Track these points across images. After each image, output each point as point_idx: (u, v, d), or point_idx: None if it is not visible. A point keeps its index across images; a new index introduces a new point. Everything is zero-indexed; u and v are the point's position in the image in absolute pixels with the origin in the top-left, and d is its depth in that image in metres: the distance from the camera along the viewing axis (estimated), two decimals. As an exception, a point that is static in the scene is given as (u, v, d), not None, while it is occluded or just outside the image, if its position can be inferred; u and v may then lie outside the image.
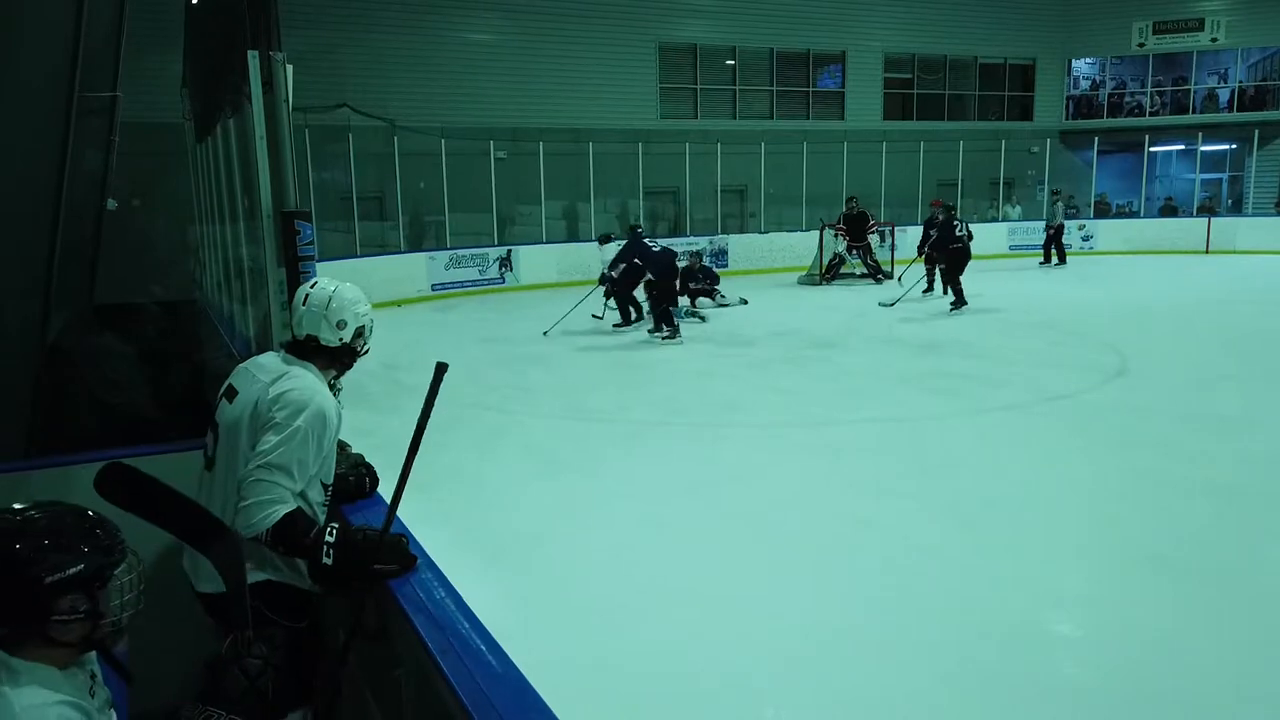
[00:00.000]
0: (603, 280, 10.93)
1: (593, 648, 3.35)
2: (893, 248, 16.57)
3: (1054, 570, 3.90)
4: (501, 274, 15.89)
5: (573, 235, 18.31)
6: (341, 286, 2.38)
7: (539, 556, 4.21)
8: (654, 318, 10.21)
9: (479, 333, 11.40)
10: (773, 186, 19.17)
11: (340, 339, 2.33)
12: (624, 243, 10.74)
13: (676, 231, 18.58)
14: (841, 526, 4.46)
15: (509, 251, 16.15)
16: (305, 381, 2.24)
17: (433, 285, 14.96)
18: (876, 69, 21.72)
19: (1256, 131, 22.11)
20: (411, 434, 2.12)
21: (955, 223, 12.65)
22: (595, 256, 12.24)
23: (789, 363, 9.02)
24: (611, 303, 11.24)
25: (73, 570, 1.53)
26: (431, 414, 2.13)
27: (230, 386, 2.31)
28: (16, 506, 1.59)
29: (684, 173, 18.46)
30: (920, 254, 13.89)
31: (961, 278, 12.19)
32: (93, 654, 1.64)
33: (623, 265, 10.43)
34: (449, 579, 2.14)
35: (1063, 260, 17.74)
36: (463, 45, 17.52)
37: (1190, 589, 3.69)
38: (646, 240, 10.53)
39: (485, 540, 4.41)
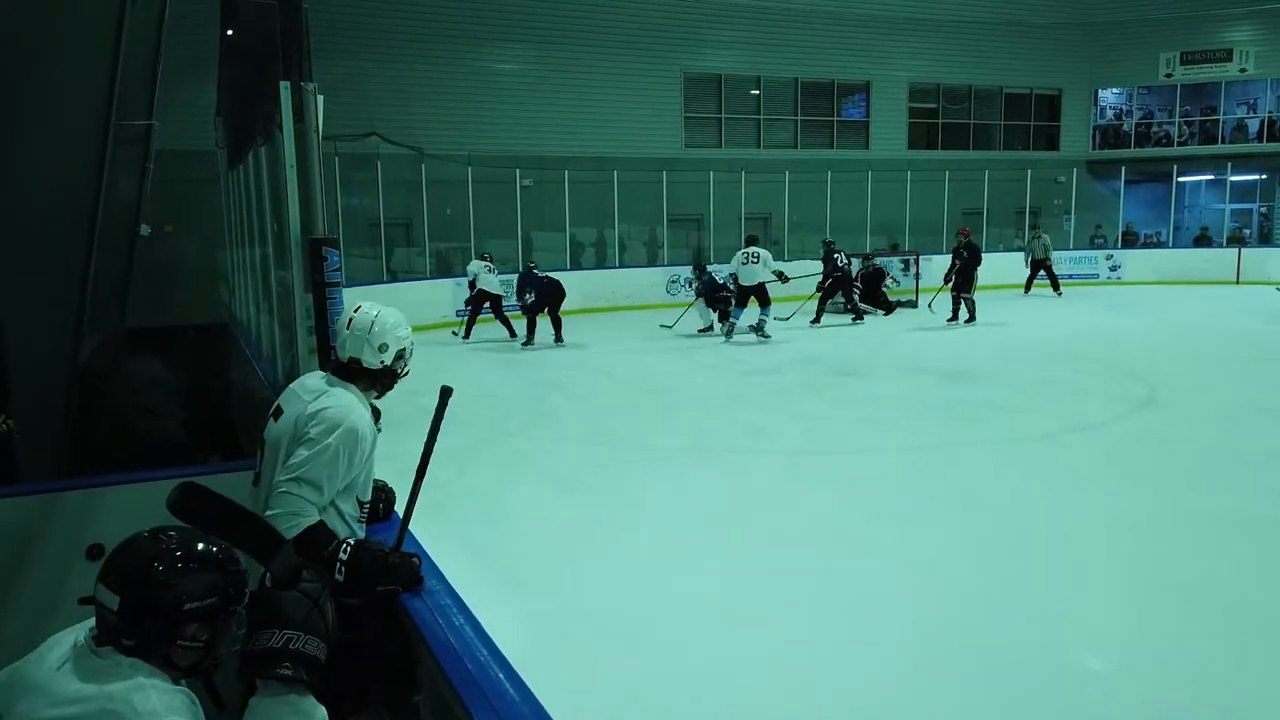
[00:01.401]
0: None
1: (613, 676, 3.33)
2: (917, 276, 16.54)
3: (1082, 603, 3.83)
4: (525, 299, 15.96)
5: (601, 262, 18.43)
6: (384, 311, 2.47)
7: (560, 582, 4.20)
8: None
9: (500, 358, 11.46)
10: (796, 215, 19.19)
11: (381, 361, 2.42)
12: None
13: (700, 260, 18.63)
14: (867, 557, 4.42)
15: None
16: (342, 400, 2.32)
17: (457, 311, 15.05)
18: (901, 99, 21.77)
19: (1287, 162, 21.89)
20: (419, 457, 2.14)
21: (835, 254, 14.30)
22: (619, 281, 12.83)
23: (814, 390, 8.99)
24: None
25: (209, 601, 1.59)
26: (438, 436, 2.17)
27: (278, 406, 2.40)
28: (155, 529, 1.65)
29: (708, 200, 18.53)
30: (946, 283, 13.84)
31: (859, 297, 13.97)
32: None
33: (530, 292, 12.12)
34: (468, 605, 2.14)
35: (1055, 289, 17.40)
36: (490, 75, 17.77)
37: (1222, 623, 3.61)
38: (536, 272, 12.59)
39: (506, 566, 4.40)
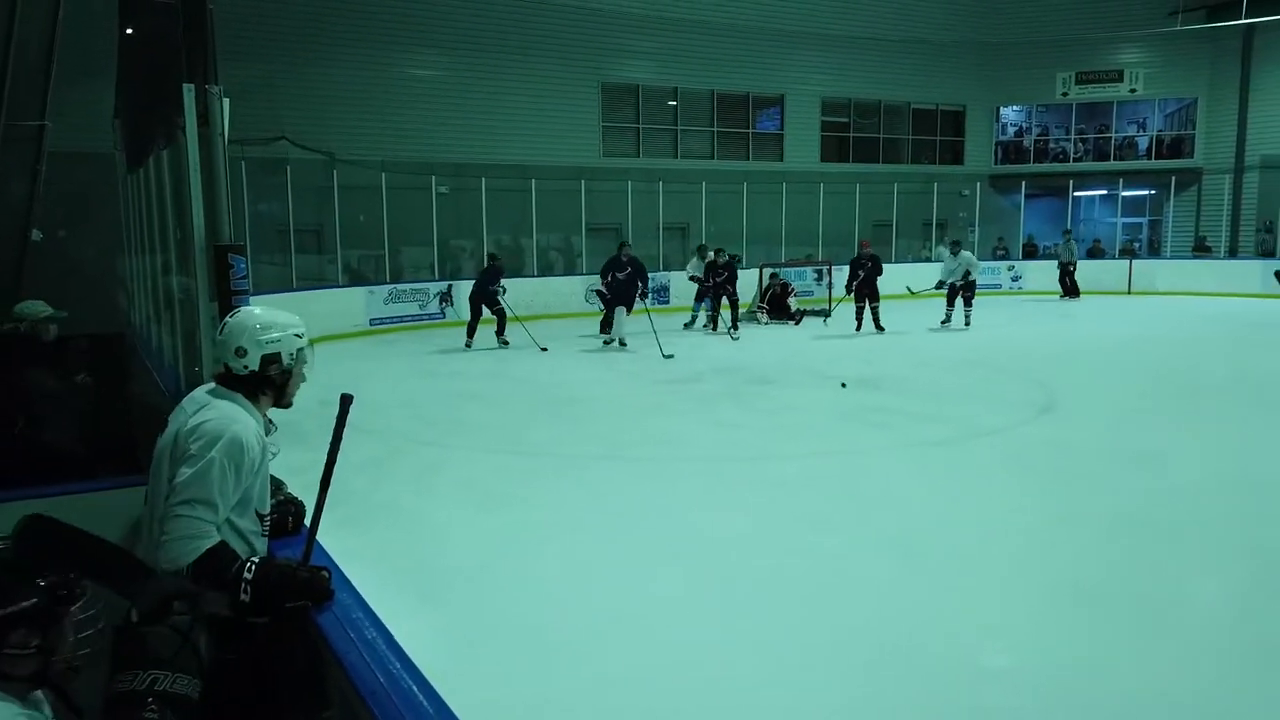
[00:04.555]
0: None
1: (530, 688, 3.31)
2: (829, 286, 16.96)
3: (984, 601, 3.98)
4: (442, 309, 15.78)
5: (515, 270, 18.32)
6: (244, 312, 2.34)
7: (477, 593, 4.16)
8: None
9: (419, 367, 11.30)
10: (714, 225, 19.45)
11: (245, 366, 2.27)
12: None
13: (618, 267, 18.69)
14: (781, 560, 4.50)
15: (450, 286, 16.06)
16: (223, 412, 2.21)
17: (371, 320, 14.78)
18: (814, 112, 22.29)
19: (1173, 179, 23.17)
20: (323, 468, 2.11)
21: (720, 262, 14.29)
22: (537, 289, 12.93)
23: (732, 397, 9.11)
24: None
25: (27, 604, 1.48)
26: (341, 446, 2.13)
27: (168, 421, 2.30)
28: None
29: (626, 210, 18.62)
30: (848, 293, 14.25)
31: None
32: (43, 697, 1.59)
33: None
34: (380, 618, 2.11)
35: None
36: (407, 80, 17.53)
37: (1111, 618, 3.80)
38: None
39: (421, 577, 4.34)
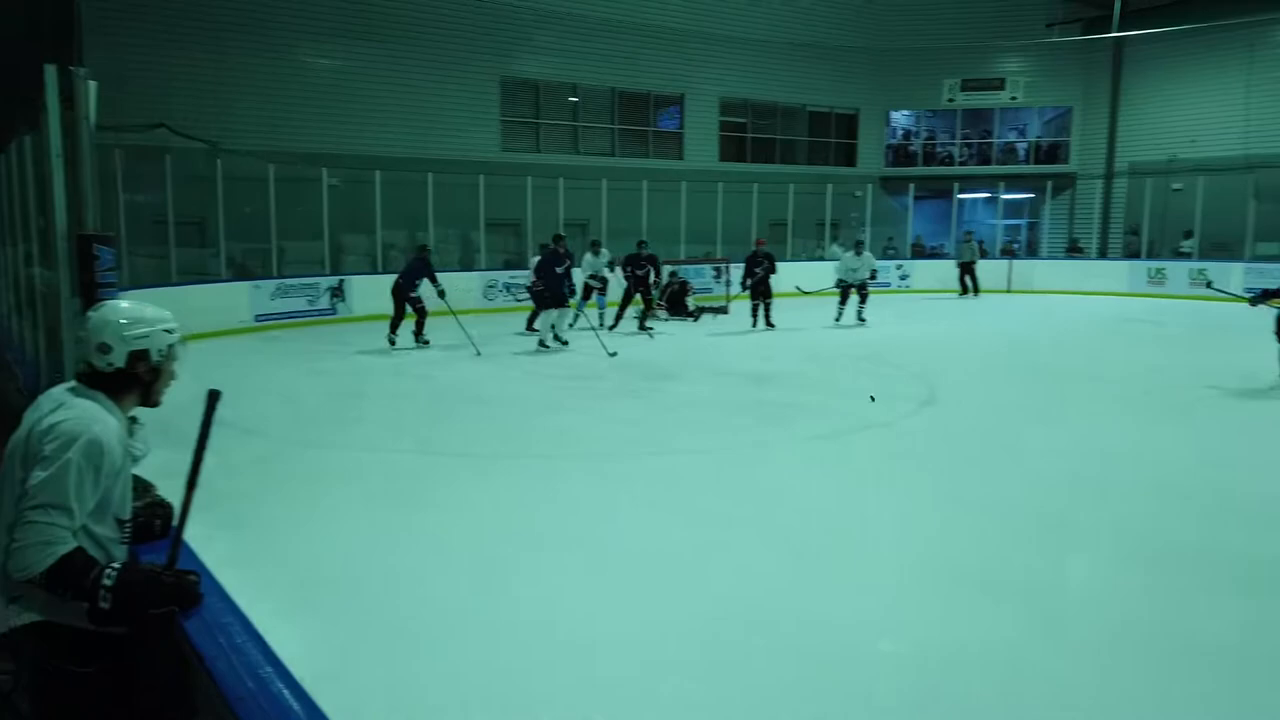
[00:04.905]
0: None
1: (413, 692, 3.26)
2: (728, 283, 17.25)
3: (874, 588, 4.11)
4: (333, 304, 15.35)
5: (448, 266, 18.02)
6: (108, 306, 2.22)
7: (358, 597, 4.05)
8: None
9: (308, 365, 10.96)
10: (615, 222, 19.50)
11: (110, 364, 2.16)
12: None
13: (520, 264, 18.55)
14: (678, 554, 4.54)
15: (341, 281, 15.63)
16: (79, 411, 2.09)
17: (257, 316, 14.25)
18: (713, 112, 22.61)
19: (1050, 183, 24.41)
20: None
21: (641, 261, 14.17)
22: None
23: (631, 394, 9.17)
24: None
25: None
26: (208, 444, 2.06)
27: (23, 418, 2.16)
28: None
29: (525, 206, 18.49)
30: (744, 289, 14.55)
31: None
32: None
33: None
34: (253, 623, 2.04)
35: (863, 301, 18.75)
36: (299, 69, 17.00)
37: (995, 602, 3.97)
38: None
39: (300, 581, 4.21)
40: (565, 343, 12.14)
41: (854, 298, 14.71)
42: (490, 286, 17.10)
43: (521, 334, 13.24)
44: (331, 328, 14.42)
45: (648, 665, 3.40)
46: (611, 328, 13.79)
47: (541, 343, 11.93)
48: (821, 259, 22.32)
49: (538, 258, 13.73)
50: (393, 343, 12.03)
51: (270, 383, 9.53)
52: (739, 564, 4.41)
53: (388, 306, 12.20)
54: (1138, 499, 5.43)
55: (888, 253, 22.89)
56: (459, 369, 10.58)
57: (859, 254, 14.92)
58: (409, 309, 12.03)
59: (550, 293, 11.89)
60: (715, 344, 12.62)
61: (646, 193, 19.72)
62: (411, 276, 12.06)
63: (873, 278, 15.06)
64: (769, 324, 14.24)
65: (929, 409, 8.19)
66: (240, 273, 15.73)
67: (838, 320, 14.61)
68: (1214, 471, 6.04)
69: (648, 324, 13.89)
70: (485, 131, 19.37)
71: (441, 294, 11.92)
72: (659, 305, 15.52)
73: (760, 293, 14.29)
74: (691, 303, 16.02)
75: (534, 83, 20.10)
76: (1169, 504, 5.32)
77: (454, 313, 11.99)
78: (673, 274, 16.37)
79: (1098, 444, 6.79)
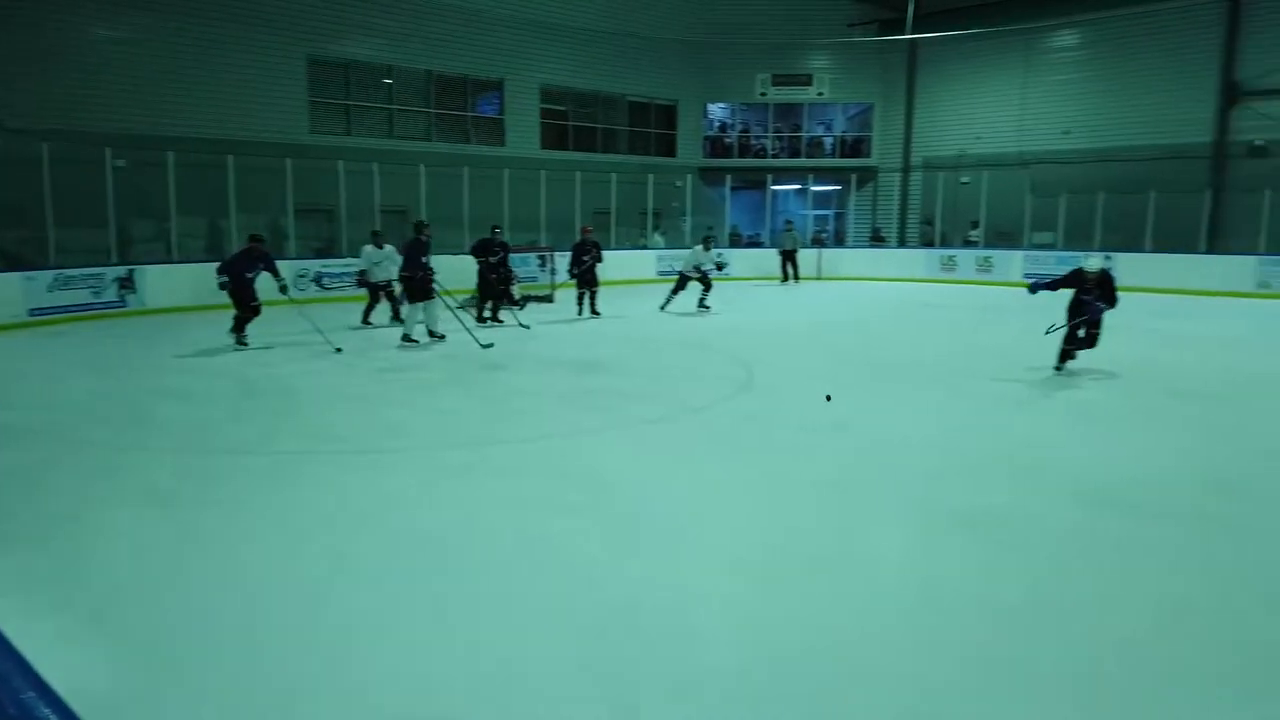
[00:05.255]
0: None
1: (222, 706, 3.01)
2: (553, 272, 17.16)
3: (698, 569, 4.16)
4: (122, 296, 14.09)
5: (215, 254, 16.81)
6: None
7: (149, 613, 3.70)
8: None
9: (93, 362, 10.00)
10: (434, 209, 18.97)
11: None
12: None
13: (332, 251, 17.70)
14: (500, 546, 4.44)
15: (130, 271, 14.37)
16: None
17: (31, 310, 12.88)
18: (534, 99, 22.40)
19: (854, 176, 25.84)
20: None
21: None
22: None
23: (456, 384, 8.92)
24: None
25: None
26: None
27: None
28: None
29: (338, 191, 17.67)
30: (571, 277, 14.56)
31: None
32: None
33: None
34: (16, 645, 1.79)
35: (796, 277, 21.52)
36: (80, 42, 15.47)
37: (815, 576, 4.12)
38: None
39: (83, 600, 3.81)
40: (442, 336, 11.56)
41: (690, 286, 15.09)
42: (301, 276, 16.20)
43: (357, 327, 12.64)
44: (121, 321, 13.24)
45: (487, 671, 3.29)
46: (480, 320, 13.16)
47: (406, 337, 11.29)
48: (644, 247, 22.67)
49: (369, 246, 13.17)
50: (244, 342, 10.99)
51: (48, 381, 8.63)
52: (566, 552, 4.36)
53: (186, 298, 11.31)
54: (945, 476, 5.80)
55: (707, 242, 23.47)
56: (266, 363, 9.96)
57: (708, 248, 15.37)
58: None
59: (421, 283, 11.30)
60: (541, 333, 12.51)
61: (468, 179, 19.31)
62: (242, 269, 10.99)
63: (719, 269, 15.53)
64: (594, 312, 14.32)
65: (746, 393, 8.45)
66: (11, 263, 14.17)
67: (663, 308, 14.87)
68: (991, 441, 6.56)
69: (500, 314, 13.47)
70: (292, 113, 18.34)
71: (283, 288, 11.19)
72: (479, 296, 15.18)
73: (587, 281, 14.35)
74: (517, 291, 15.82)
75: (345, 63, 19.21)
76: (951, 470, 5.72)
77: (295, 301, 11.20)
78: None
79: (903, 421, 7.21)
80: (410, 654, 3.33)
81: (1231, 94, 20.08)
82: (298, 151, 17.39)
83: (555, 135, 23.06)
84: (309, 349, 10.68)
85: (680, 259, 15.95)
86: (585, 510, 5.00)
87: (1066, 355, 8.97)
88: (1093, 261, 8.78)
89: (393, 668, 3.24)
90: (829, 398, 7.78)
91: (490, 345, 10.88)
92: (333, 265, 16.68)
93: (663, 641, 3.42)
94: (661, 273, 21.62)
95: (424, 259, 11.29)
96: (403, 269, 11.56)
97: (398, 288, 12.23)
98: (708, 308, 14.91)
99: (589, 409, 7.79)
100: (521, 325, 12.94)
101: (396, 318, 12.83)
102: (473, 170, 19.53)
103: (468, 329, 11.47)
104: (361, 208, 17.88)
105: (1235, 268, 18.15)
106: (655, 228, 23.49)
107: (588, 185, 21.26)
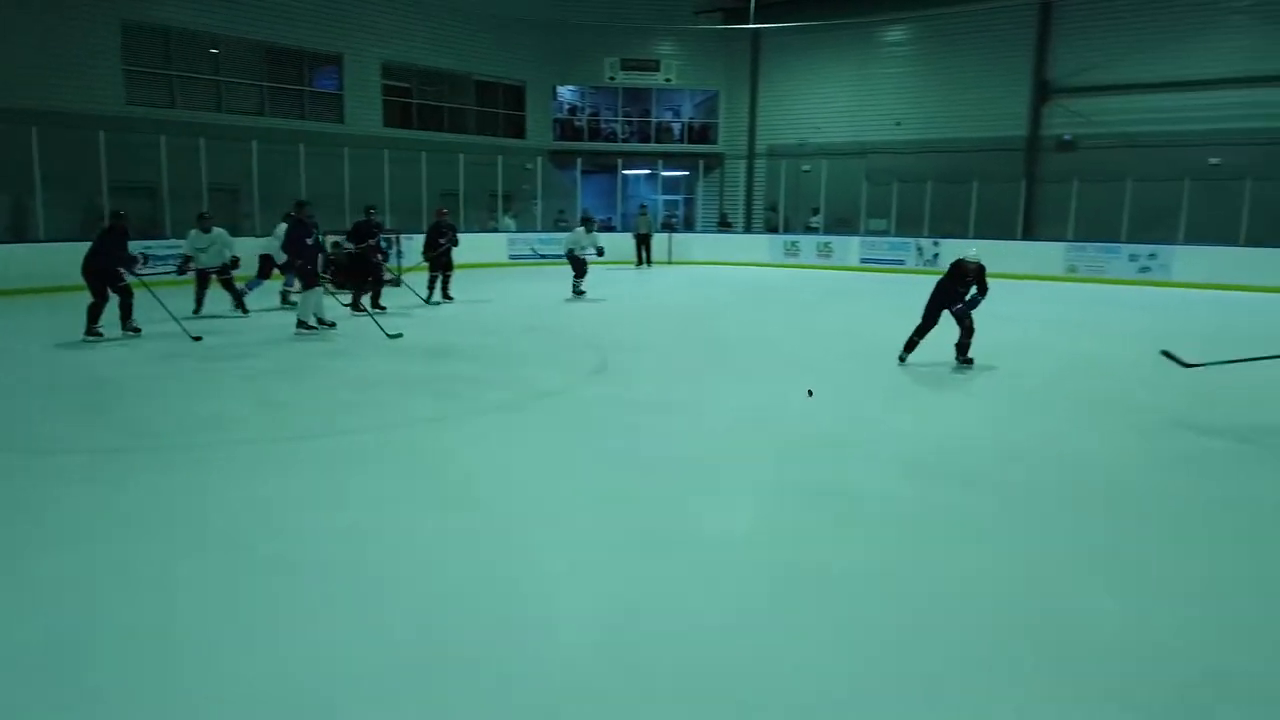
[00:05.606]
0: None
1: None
2: (399, 255, 16.60)
3: (551, 553, 4.10)
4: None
5: (20, 236, 15.38)
6: None
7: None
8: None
9: None
10: (268, 188, 17.98)
11: None
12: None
13: (155, 233, 16.47)
14: (335, 536, 4.23)
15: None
16: None
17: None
18: (375, 75, 21.58)
19: (702, 162, 26.28)
20: None
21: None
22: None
23: (288, 375, 8.47)
24: None
25: None
26: None
27: None
28: None
29: (160, 167, 16.47)
30: (425, 260, 14.13)
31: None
32: None
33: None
34: None
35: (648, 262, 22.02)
36: None
37: (669, 554, 4.13)
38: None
39: None
40: (332, 324, 10.98)
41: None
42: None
43: (187, 318, 11.75)
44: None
45: (288, 664, 3.11)
46: (358, 309, 12.33)
47: (302, 323, 10.66)
48: (495, 230, 22.30)
49: (194, 230, 12.22)
50: (98, 334, 9.91)
51: None
52: (407, 538, 4.20)
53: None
54: (794, 454, 5.97)
55: (560, 225, 23.37)
56: (75, 355, 9.16)
57: (589, 230, 15.47)
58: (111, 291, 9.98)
59: (309, 268, 10.71)
60: (386, 318, 12.07)
61: (304, 157, 18.39)
62: (103, 252, 9.92)
63: (600, 254, 15.51)
64: (447, 297, 13.95)
65: (599, 376, 8.43)
66: None
67: (577, 292, 14.74)
68: (829, 419, 6.82)
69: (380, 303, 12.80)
70: (104, 82, 16.93)
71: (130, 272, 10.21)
72: (322, 278, 14.52)
73: (442, 264, 13.96)
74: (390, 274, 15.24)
75: (165, 29, 17.88)
76: (792, 447, 5.90)
77: (145, 284, 10.27)
78: (336, 244, 15.42)
79: (750, 402, 7.38)
80: (235, 658, 3.11)
81: (1044, 91, 21.64)
82: (112, 124, 16.08)
83: (399, 113, 22.30)
84: (158, 341, 9.90)
85: (537, 241, 15.71)
86: (425, 500, 4.84)
87: (912, 345, 8.80)
88: (972, 252, 8.55)
89: (219, 674, 3.01)
90: (810, 392, 7.46)
91: (399, 335, 10.33)
92: (155, 247, 15.53)
93: (496, 636, 3.34)
94: (513, 256, 21.35)
95: (308, 241, 10.73)
96: (288, 253, 11.03)
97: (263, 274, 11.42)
98: (583, 293, 14.80)
99: (434, 396, 7.57)
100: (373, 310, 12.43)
101: (241, 308, 12.08)
102: (310, 148, 18.62)
103: (375, 320, 10.90)
104: (187, 185, 16.73)
105: (1047, 253, 19.61)
106: (506, 211, 23.14)
107: (434, 166, 20.68)
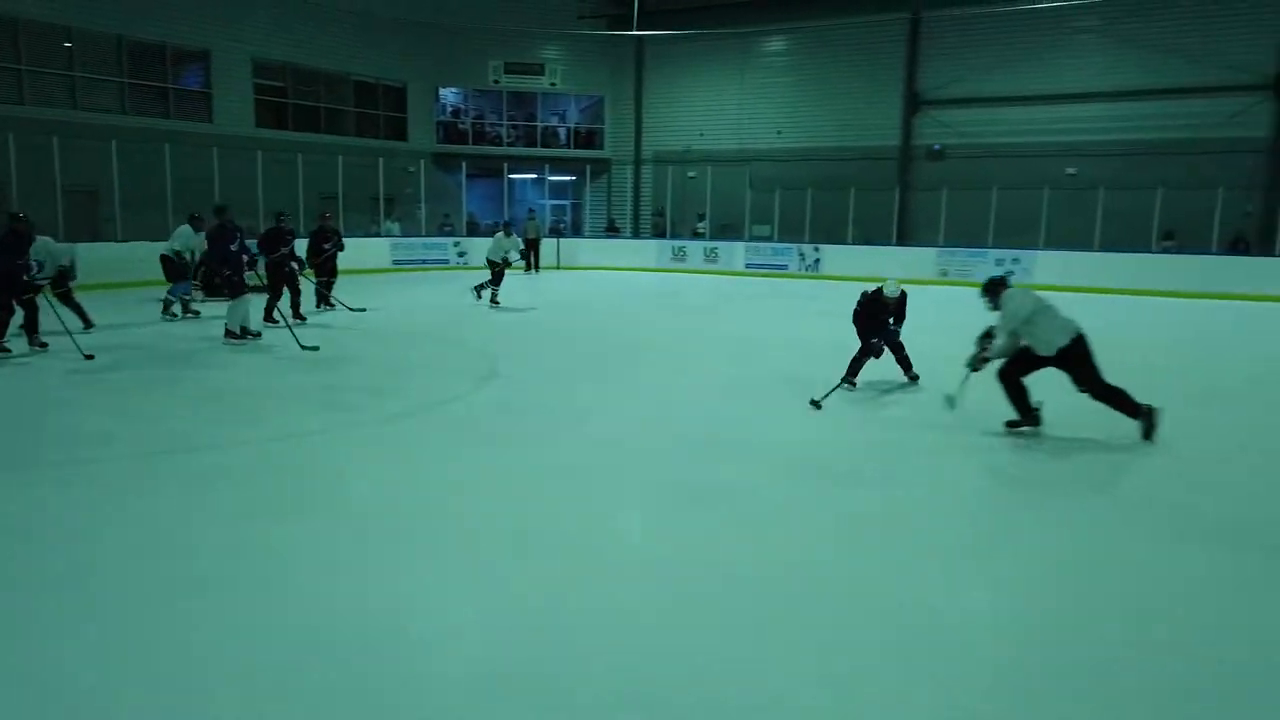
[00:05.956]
0: None
1: None
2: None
3: (445, 561, 3.99)
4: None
5: None
6: None
7: None
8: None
9: None
10: (131, 189, 16.98)
11: None
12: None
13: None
14: (210, 556, 4.00)
15: None
16: None
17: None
18: (245, 73, 20.71)
19: (589, 167, 26.30)
20: None
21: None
22: None
23: (156, 385, 8.01)
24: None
25: None
26: None
27: None
28: None
29: (9, 167, 15.34)
30: (310, 267, 13.58)
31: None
32: None
33: None
34: None
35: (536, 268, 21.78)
36: None
37: (566, 559, 4.08)
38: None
39: None
40: (258, 334, 10.43)
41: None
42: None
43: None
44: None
45: (165, 679, 2.92)
46: (271, 320, 11.44)
47: (230, 333, 10.15)
48: (379, 235, 21.71)
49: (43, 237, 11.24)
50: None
51: None
52: (301, 557, 4.02)
53: None
54: (694, 457, 6.00)
55: (444, 229, 22.96)
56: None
57: (508, 234, 15.12)
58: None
59: (236, 278, 10.19)
60: (267, 326, 11.55)
61: (169, 158, 17.46)
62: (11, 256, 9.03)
63: (521, 258, 15.18)
64: (329, 304, 13.46)
65: (491, 383, 8.30)
66: None
67: (493, 301, 14.42)
68: (713, 421, 6.91)
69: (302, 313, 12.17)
70: (-58, 73, 15.66)
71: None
72: (194, 285, 13.83)
73: (326, 270, 13.47)
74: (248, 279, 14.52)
75: (13, 20, 16.67)
76: (682, 449, 5.96)
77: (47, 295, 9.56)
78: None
79: (644, 405, 7.40)
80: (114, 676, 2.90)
81: (914, 103, 22.61)
82: (-47, 120, 14.90)
83: (272, 113, 21.46)
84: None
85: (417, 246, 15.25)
86: (315, 512, 4.65)
87: (857, 368, 8.13)
88: (890, 285, 8.12)
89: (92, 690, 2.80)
90: (814, 403, 7.28)
91: (316, 348, 9.80)
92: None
93: (389, 653, 3.23)
94: (397, 261, 20.84)
95: (233, 248, 10.15)
96: (211, 261, 10.52)
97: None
98: (497, 304, 14.40)
99: (321, 407, 7.30)
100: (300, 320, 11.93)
101: (85, 322, 11.14)
102: (176, 148, 17.69)
103: (292, 331, 10.31)
104: (41, 187, 15.64)
105: (920, 257, 20.46)
106: (389, 215, 22.57)
107: (311, 168, 19.98)
